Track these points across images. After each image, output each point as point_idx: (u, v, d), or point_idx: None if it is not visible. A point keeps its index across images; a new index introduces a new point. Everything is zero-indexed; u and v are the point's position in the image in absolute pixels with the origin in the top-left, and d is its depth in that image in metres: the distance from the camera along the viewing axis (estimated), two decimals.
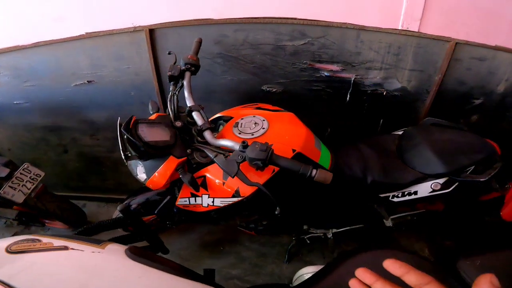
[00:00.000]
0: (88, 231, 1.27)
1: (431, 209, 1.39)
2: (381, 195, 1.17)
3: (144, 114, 1.13)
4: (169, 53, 1.18)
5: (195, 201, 1.02)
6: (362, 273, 0.45)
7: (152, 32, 1.41)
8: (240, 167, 0.83)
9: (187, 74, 1.08)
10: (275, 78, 1.51)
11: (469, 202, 1.57)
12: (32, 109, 1.72)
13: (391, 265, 0.42)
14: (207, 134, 0.96)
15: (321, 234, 1.52)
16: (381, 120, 1.62)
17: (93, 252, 0.53)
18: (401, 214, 1.37)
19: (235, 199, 0.94)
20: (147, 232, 1.31)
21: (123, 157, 0.92)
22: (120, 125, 0.87)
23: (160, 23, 1.39)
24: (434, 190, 1.12)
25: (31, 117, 1.77)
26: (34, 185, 1.44)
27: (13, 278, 0.44)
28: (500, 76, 1.54)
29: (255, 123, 1.04)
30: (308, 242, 1.58)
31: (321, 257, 1.72)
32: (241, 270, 1.69)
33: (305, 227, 1.48)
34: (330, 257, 1.71)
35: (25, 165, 1.44)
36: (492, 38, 1.43)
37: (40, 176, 1.47)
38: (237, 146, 0.85)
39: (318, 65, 1.46)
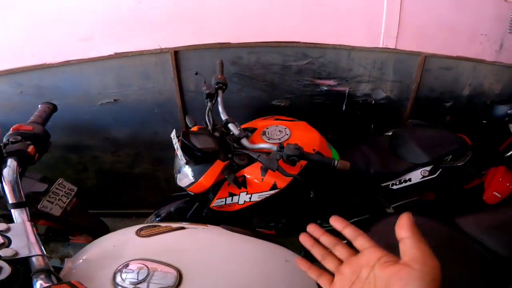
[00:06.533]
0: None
1: (424, 199, 1.63)
2: (382, 185, 1.42)
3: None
4: (196, 74, 1.37)
5: (232, 200, 1.20)
6: (312, 228, 0.49)
7: (176, 53, 1.58)
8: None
9: (220, 91, 1.29)
10: (283, 93, 1.74)
11: (456, 190, 1.81)
12: (53, 128, 1.76)
13: (335, 220, 0.47)
14: (245, 141, 1.17)
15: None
16: (372, 125, 1.90)
17: (204, 228, 0.72)
18: (400, 202, 1.59)
19: (273, 191, 1.14)
20: None
21: (184, 162, 1.08)
22: (178, 136, 1.05)
23: (185, 46, 1.56)
24: (424, 176, 1.38)
25: (52, 136, 1.83)
26: (69, 199, 1.51)
27: (160, 255, 0.58)
28: (464, 82, 1.84)
29: (280, 130, 1.26)
30: None
31: None
32: None
33: (318, 222, 1.68)
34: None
35: (60, 180, 1.51)
36: (455, 50, 1.72)
37: (74, 190, 1.51)
38: (274, 148, 1.06)
39: (318, 81, 1.72)
